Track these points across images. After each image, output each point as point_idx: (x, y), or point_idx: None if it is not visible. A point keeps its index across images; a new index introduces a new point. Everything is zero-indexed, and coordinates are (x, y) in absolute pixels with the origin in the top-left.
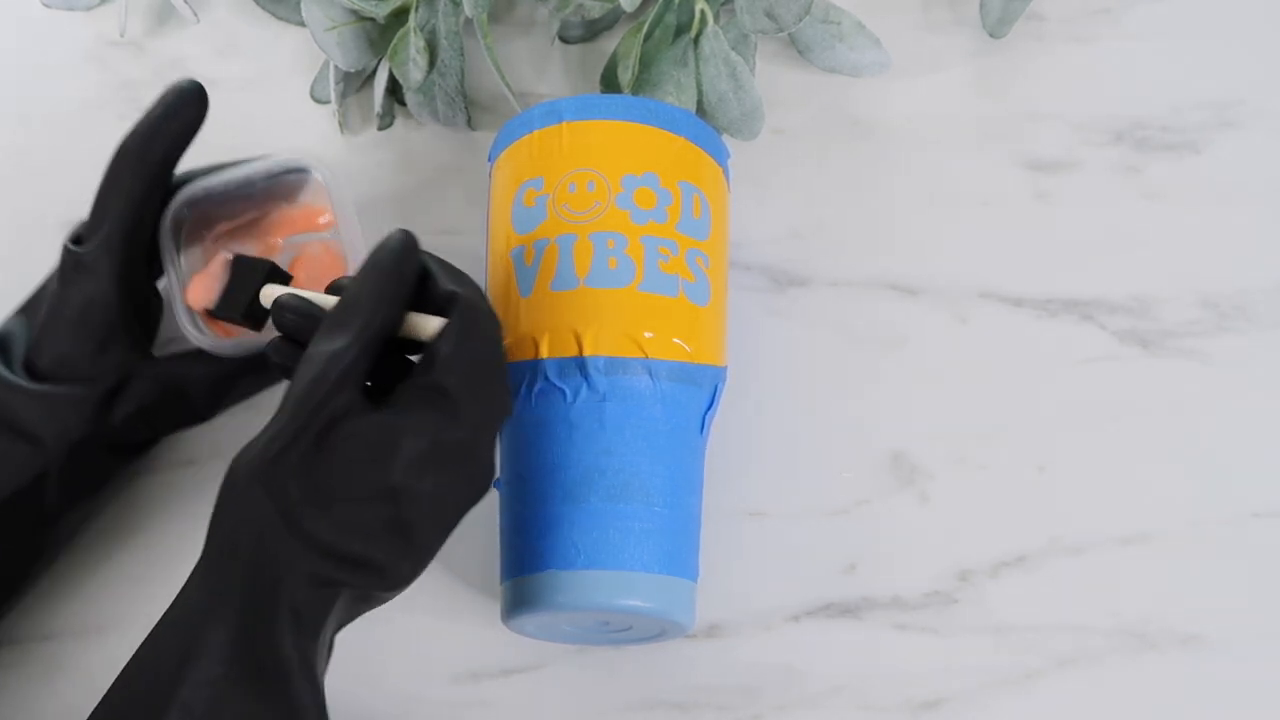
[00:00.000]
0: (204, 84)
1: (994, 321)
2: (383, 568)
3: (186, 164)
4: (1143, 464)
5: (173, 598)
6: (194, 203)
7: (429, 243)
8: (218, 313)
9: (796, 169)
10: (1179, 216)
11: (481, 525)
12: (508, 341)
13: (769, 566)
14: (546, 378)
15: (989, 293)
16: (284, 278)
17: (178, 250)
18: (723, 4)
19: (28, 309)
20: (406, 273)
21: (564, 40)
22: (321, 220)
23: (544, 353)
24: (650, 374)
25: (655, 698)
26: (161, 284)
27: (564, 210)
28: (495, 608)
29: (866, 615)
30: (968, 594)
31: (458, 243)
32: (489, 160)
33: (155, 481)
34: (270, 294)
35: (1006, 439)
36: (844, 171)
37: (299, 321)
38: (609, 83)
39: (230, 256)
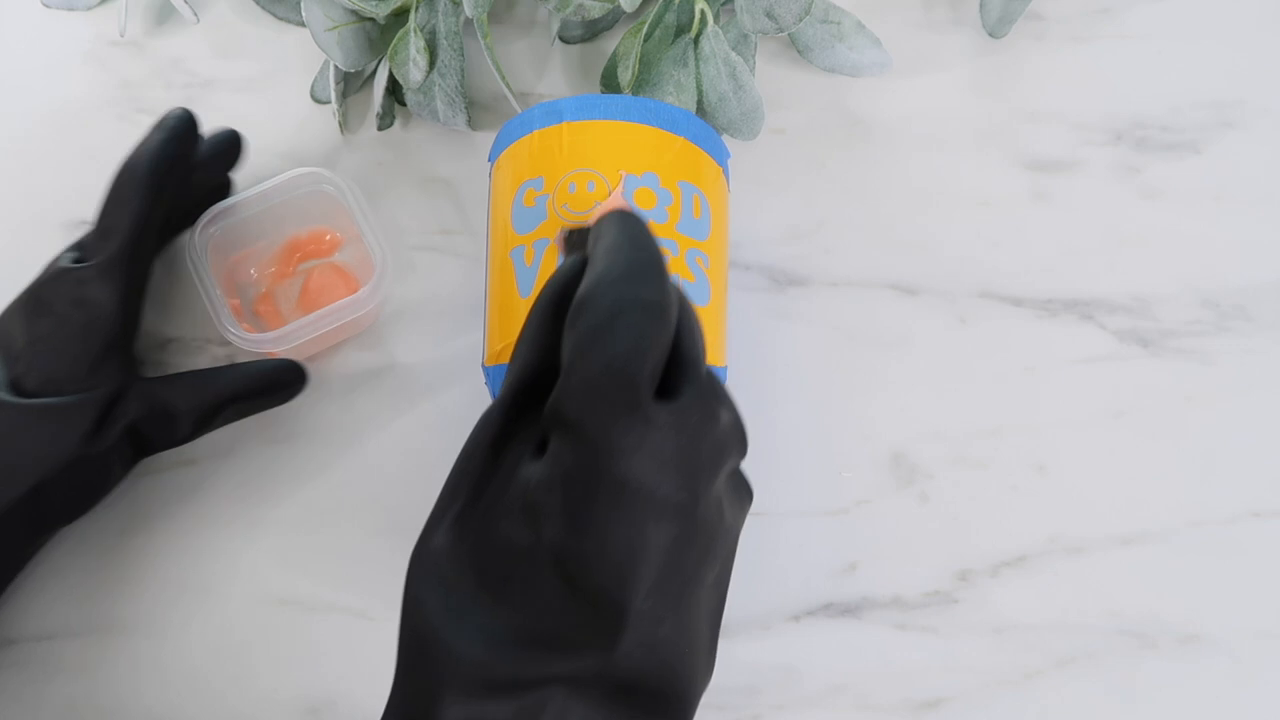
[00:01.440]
0: (204, 84)
1: (994, 321)
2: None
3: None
4: (1143, 464)
5: (173, 598)
6: (218, 218)
7: (429, 242)
8: None
9: (796, 169)
10: (1179, 216)
11: None
12: (506, 342)
13: (769, 566)
14: None
15: (989, 293)
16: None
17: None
18: (723, 4)
19: None
20: (549, 315)
21: (564, 40)
22: (329, 240)
23: None
24: None
25: None
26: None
27: (564, 210)
28: None
29: (866, 615)
30: (968, 594)
31: (457, 242)
32: (489, 160)
33: (155, 481)
34: None
35: (1006, 439)
36: (844, 171)
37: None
38: (609, 83)
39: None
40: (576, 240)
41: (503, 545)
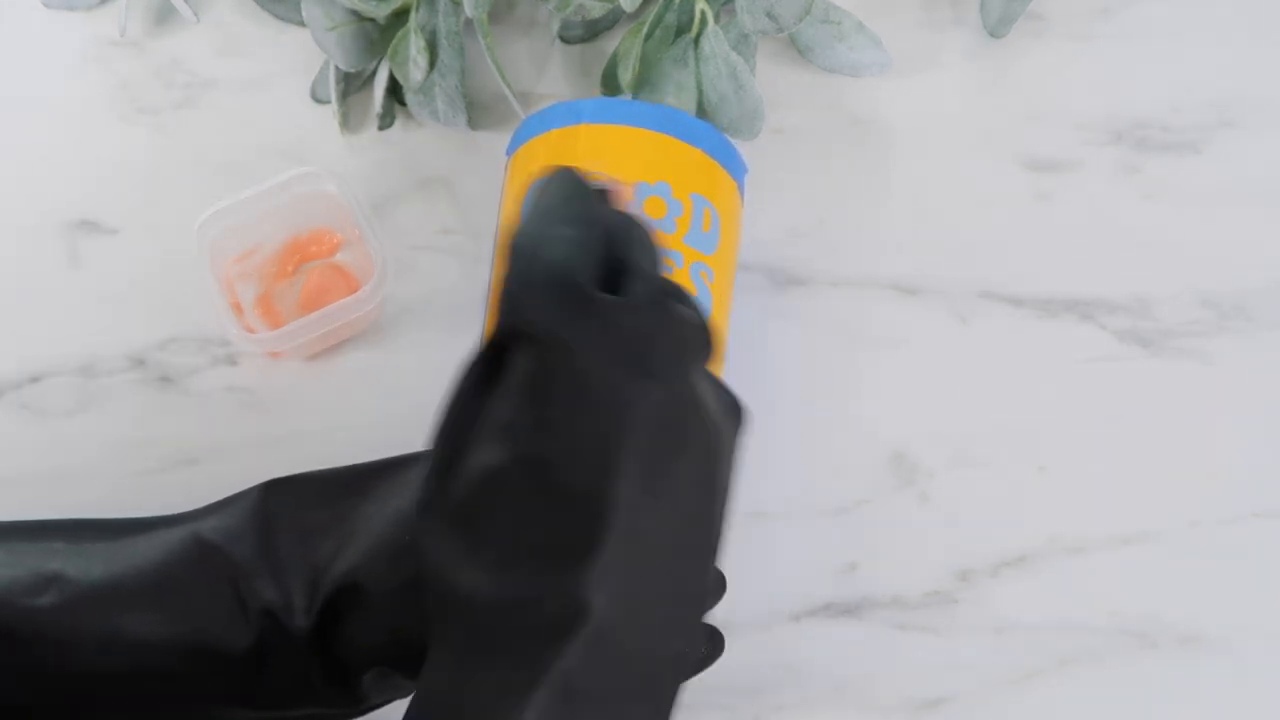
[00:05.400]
0: (204, 84)
1: (994, 321)
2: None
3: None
4: (1143, 464)
5: None
6: (218, 218)
7: (429, 242)
8: None
9: (796, 169)
10: (1179, 216)
11: None
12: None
13: (769, 566)
14: None
15: (989, 293)
16: None
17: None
18: (723, 4)
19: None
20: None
21: (564, 40)
22: (330, 240)
23: None
24: None
25: None
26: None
27: None
28: None
29: (866, 615)
30: (968, 594)
31: (457, 242)
32: (506, 154)
33: (155, 482)
34: None
35: (1006, 439)
36: (844, 171)
37: None
38: (609, 83)
39: None
40: None
41: (482, 475)
